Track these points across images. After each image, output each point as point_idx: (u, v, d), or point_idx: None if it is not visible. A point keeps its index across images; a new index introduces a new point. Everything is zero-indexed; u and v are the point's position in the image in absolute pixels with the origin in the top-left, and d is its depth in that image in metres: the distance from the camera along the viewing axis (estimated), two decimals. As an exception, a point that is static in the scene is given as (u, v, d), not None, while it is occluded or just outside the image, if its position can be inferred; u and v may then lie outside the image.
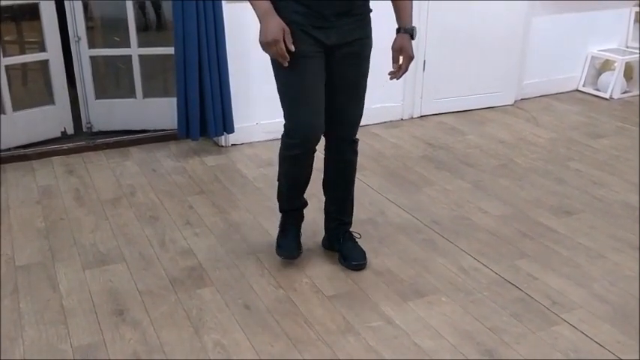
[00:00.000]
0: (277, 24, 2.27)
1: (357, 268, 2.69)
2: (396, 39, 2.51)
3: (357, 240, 2.78)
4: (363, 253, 2.73)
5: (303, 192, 2.72)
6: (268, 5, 2.31)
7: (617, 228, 3.04)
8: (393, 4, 2.52)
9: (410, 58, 2.50)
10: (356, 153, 2.68)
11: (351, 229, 2.79)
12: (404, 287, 2.58)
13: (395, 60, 2.50)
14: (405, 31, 2.49)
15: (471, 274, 2.67)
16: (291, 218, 2.75)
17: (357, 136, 2.64)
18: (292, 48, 2.30)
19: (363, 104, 2.60)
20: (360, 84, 2.54)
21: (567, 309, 2.44)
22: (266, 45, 2.29)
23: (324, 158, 2.68)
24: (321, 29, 2.37)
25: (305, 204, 2.77)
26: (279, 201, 2.76)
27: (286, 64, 2.32)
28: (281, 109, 2.49)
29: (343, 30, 2.40)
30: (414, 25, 2.50)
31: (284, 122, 2.51)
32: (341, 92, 2.50)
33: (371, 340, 2.27)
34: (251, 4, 2.34)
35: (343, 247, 2.74)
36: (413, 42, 2.50)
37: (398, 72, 2.51)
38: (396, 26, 2.52)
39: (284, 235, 2.74)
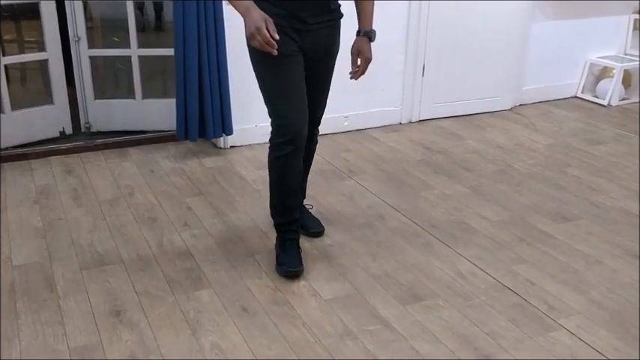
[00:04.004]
0: (259, 14, 2.28)
1: (316, 236, 2.94)
2: (355, 41, 2.63)
3: (310, 210, 3.03)
4: (319, 221, 3.00)
5: (296, 202, 2.70)
6: (249, 2, 2.32)
7: (615, 234, 3.05)
8: (356, 6, 2.63)
9: (367, 60, 2.63)
10: (316, 143, 2.83)
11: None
12: (402, 291, 2.58)
13: (354, 62, 2.64)
14: (365, 34, 2.61)
15: (469, 278, 2.67)
16: (289, 233, 2.70)
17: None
18: (277, 36, 2.28)
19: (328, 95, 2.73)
20: (329, 79, 2.67)
21: (565, 315, 2.44)
22: (250, 36, 2.29)
23: None
24: (298, 32, 2.45)
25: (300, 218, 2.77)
26: (274, 216, 2.72)
27: (275, 53, 2.30)
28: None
29: (316, 35, 2.48)
30: (374, 28, 2.62)
31: (271, 122, 2.54)
32: (313, 90, 2.58)
33: (369, 344, 2.27)
34: (232, 3, 2.35)
35: (302, 218, 2.90)
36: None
37: (356, 73, 2.64)
38: (362, 28, 2.63)
39: (284, 251, 2.70)
